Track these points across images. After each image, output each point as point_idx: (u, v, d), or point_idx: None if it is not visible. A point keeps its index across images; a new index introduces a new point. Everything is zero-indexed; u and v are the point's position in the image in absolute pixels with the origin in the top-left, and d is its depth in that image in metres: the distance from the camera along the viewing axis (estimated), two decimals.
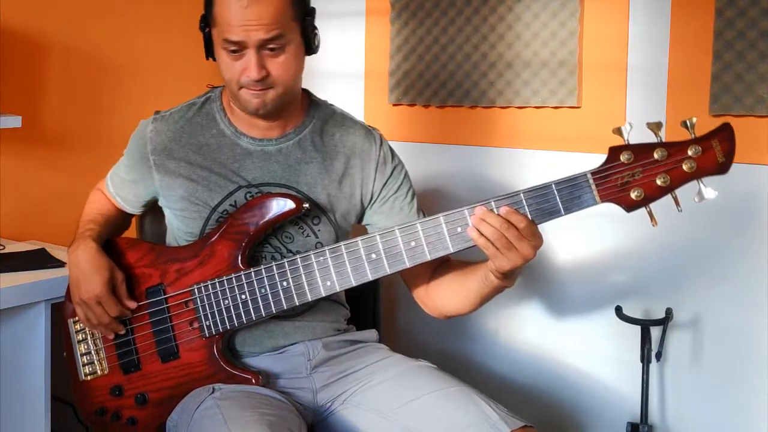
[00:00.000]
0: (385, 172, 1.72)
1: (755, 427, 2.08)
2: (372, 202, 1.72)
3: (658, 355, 2.07)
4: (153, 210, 1.82)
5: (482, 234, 1.44)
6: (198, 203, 1.67)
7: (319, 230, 1.68)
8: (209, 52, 1.63)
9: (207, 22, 1.61)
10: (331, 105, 1.77)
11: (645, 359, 2.07)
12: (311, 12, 1.62)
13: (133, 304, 1.65)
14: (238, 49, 1.54)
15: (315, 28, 1.62)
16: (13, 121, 2.09)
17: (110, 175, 1.82)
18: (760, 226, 2.05)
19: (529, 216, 1.44)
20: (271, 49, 1.55)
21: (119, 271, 1.65)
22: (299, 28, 1.58)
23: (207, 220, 1.67)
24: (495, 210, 1.44)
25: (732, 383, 2.11)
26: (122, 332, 1.66)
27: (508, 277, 1.51)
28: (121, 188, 1.79)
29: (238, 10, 1.51)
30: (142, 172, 1.72)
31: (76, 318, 1.70)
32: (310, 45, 1.62)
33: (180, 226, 1.70)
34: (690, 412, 2.17)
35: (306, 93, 1.73)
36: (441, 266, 1.68)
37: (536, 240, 1.44)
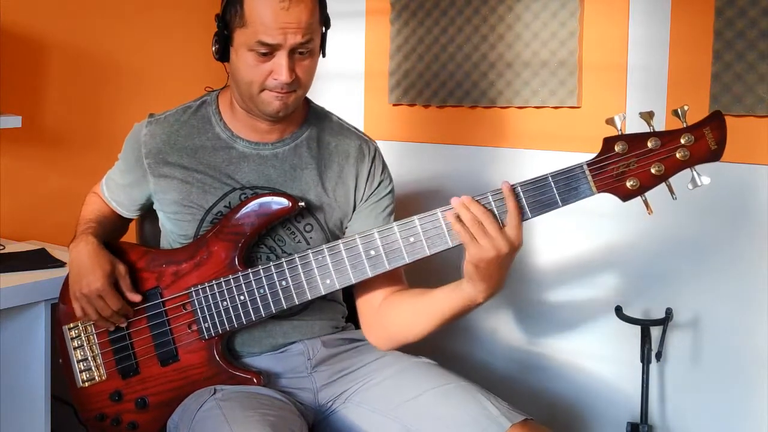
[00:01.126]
0: (373, 183, 1.73)
1: (755, 427, 2.08)
2: (355, 210, 1.72)
3: (658, 355, 2.07)
4: (152, 212, 1.82)
5: (460, 220, 1.44)
6: (192, 206, 1.66)
7: (311, 237, 1.68)
8: (224, 53, 1.60)
9: (227, 23, 1.57)
10: (329, 112, 1.77)
11: (645, 359, 2.07)
12: (328, 17, 1.63)
13: (137, 297, 1.64)
14: (270, 51, 1.53)
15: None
16: (13, 121, 2.09)
17: (105, 179, 1.82)
18: (760, 226, 2.04)
19: (527, 208, 1.45)
20: (300, 53, 1.55)
21: (122, 264, 1.64)
22: (320, 34, 1.60)
23: (201, 222, 1.66)
24: (494, 207, 1.45)
25: (732, 383, 2.11)
26: (124, 325, 1.65)
27: (481, 280, 1.48)
28: (116, 193, 1.79)
29: (278, 12, 1.50)
30: (137, 175, 1.72)
31: (71, 325, 1.69)
32: (324, 49, 1.64)
33: (173, 229, 1.70)
34: (690, 412, 2.17)
35: (305, 98, 1.74)
36: (400, 290, 1.66)
37: (515, 232, 1.43)
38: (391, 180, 1.76)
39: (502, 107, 2.36)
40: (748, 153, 2.00)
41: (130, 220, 1.86)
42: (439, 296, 1.57)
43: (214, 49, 1.61)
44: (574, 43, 2.22)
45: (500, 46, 2.33)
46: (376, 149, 1.76)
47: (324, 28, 1.62)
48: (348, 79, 2.62)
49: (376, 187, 1.73)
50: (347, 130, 1.76)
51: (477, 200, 1.45)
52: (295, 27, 1.51)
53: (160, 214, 1.74)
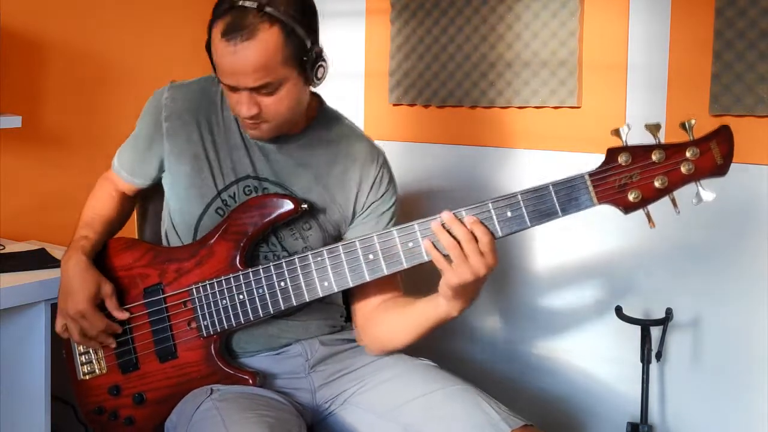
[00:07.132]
0: (378, 193, 1.71)
1: (755, 427, 2.08)
2: (356, 216, 1.71)
3: (658, 355, 2.07)
4: (152, 212, 1.82)
5: (435, 247, 1.43)
6: (203, 185, 1.66)
7: (309, 236, 1.67)
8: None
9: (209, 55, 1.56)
10: (341, 115, 1.76)
11: (645, 359, 2.07)
12: (310, 50, 1.52)
13: (123, 315, 1.65)
14: (233, 88, 1.53)
15: (318, 61, 1.55)
16: (13, 121, 2.09)
17: (118, 152, 1.80)
18: (760, 226, 2.04)
19: (527, 217, 1.44)
20: (263, 92, 1.52)
21: (107, 283, 1.65)
22: (296, 68, 1.52)
23: (207, 207, 1.66)
24: (493, 215, 1.43)
25: (732, 383, 2.11)
26: (113, 345, 1.67)
27: (456, 299, 1.49)
28: (128, 158, 1.76)
29: (228, 56, 1.48)
30: (153, 138, 1.69)
31: None
32: (309, 80, 1.57)
33: (179, 207, 1.69)
34: (690, 412, 2.17)
35: (317, 98, 1.73)
36: (393, 297, 1.67)
37: (491, 258, 1.42)
38: (396, 192, 1.74)
39: (502, 107, 2.36)
40: (748, 153, 2.00)
41: (135, 201, 1.84)
42: (417, 310, 1.59)
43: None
44: (574, 43, 2.22)
45: (500, 46, 2.33)
46: (385, 158, 1.75)
47: (299, 64, 1.52)
48: (348, 78, 2.62)
49: (381, 195, 1.71)
50: (357, 135, 1.74)
51: (457, 218, 1.43)
52: (243, 72, 1.48)
53: (167, 192, 1.72)
